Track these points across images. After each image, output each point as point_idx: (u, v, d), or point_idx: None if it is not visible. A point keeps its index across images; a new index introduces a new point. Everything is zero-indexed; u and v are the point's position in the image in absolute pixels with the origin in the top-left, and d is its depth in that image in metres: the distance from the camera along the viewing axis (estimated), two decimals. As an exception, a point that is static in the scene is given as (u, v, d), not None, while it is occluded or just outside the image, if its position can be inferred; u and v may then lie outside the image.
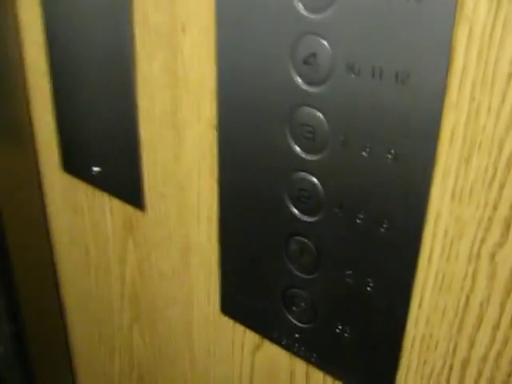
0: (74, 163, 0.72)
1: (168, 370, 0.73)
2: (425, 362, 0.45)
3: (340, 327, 0.49)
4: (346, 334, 0.49)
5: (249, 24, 0.44)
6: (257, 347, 0.58)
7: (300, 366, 0.55)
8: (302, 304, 0.50)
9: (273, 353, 0.57)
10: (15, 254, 0.84)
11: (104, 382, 0.90)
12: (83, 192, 0.73)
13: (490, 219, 0.37)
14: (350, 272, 0.46)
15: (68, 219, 0.79)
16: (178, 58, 0.52)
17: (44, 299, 0.89)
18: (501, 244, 0.37)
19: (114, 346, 0.82)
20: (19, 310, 0.88)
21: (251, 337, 0.58)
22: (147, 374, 0.78)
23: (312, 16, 0.40)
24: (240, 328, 0.59)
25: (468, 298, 0.40)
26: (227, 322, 0.60)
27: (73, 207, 0.76)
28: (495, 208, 0.37)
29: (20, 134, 0.79)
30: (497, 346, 0.41)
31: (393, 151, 0.39)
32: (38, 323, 0.90)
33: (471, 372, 0.43)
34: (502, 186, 0.36)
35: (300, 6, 0.41)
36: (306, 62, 0.42)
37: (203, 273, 0.60)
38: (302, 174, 0.45)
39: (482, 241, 0.38)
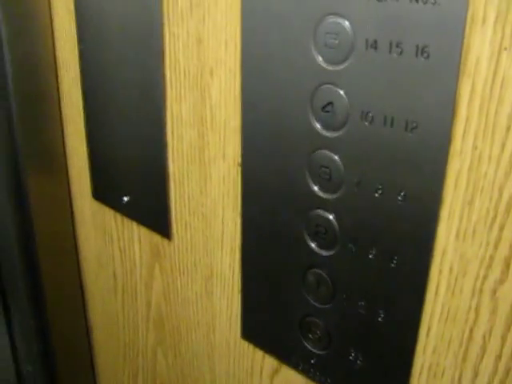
0: (104, 192, 0.76)
1: (190, 391, 0.77)
2: (432, 389, 0.48)
3: (353, 354, 0.52)
4: (358, 361, 0.52)
5: (272, 72, 0.48)
6: (275, 371, 0.61)
7: (316, 390, 0.58)
8: (318, 332, 0.54)
9: (290, 377, 0.60)
10: (46, 277, 0.88)
11: (127, 402, 0.93)
12: (112, 219, 0.77)
13: (492, 258, 0.40)
14: (362, 303, 0.49)
15: (97, 245, 0.83)
16: (205, 99, 0.56)
17: (72, 320, 0.93)
18: (501, 281, 0.40)
19: (138, 367, 0.86)
20: (48, 330, 0.92)
21: (270, 361, 0.61)
22: (169, 395, 0.82)
23: (330, 68, 0.44)
24: (259, 353, 0.62)
25: (471, 330, 0.44)
26: (247, 347, 0.64)
27: (102, 234, 0.80)
28: (496, 247, 0.40)
29: (54, 163, 0.84)
30: (499, 376, 0.44)
31: (403, 193, 0.43)
32: (66, 343, 0.93)
33: (475, 400, 0.46)
34: (501, 228, 0.39)
35: (319, 59, 0.45)
36: (323, 110, 0.46)
37: (225, 300, 0.64)
38: (319, 211, 0.49)
39: (485, 277, 0.41)
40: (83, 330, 0.94)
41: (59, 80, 0.75)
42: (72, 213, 0.85)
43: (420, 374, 0.48)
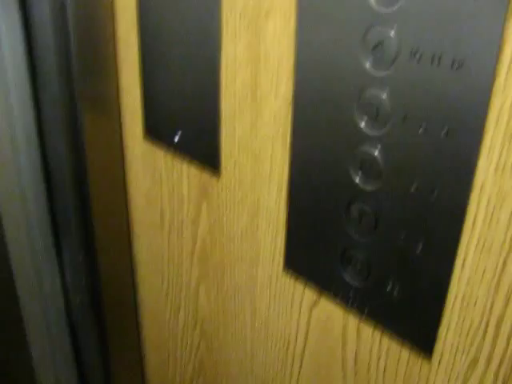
0: (156, 131, 0.80)
1: (229, 324, 0.81)
2: (464, 318, 0.51)
3: (390, 285, 0.55)
4: (395, 292, 0.55)
5: (326, 13, 0.51)
6: (314, 304, 0.65)
7: (352, 321, 0.61)
8: (358, 264, 0.57)
9: (328, 309, 0.63)
10: (96, 213, 0.93)
11: (167, 336, 0.98)
12: (162, 159, 0.81)
13: (528, 191, 0.43)
14: (402, 235, 0.52)
15: (146, 183, 0.87)
16: (260, 40, 0.59)
17: (118, 255, 0.98)
18: (536, 213, 0.43)
19: (180, 302, 0.90)
20: (95, 264, 0.97)
21: (309, 294, 0.65)
22: (209, 329, 0.86)
23: (382, 9, 0.47)
24: (300, 286, 0.66)
25: (505, 261, 0.46)
26: (289, 280, 0.67)
27: (151, 172, 0.84)
28: (533, 181, 0.42)
29: (108, 103, 0.87)
30: (529, 306, 0.47)
31: (446, 128, 0.45)
32: (112, 277, 0.98)
33: (505, 328, 0.49)
34: (539, 163, 0.42)
35: (372, 1, 0.47)
36: (374, 49, 0.48)
37: (270, 234, 0.67)
38: (365, 147, 0.52)
39: (520, 210, 0.44)
40: (128, 266, 0.99)
41: (116, 21, 0.78)
42: (123, 152, 0.88)
43: (454, 303, 0.51)
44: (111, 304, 1.00)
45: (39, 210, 0.99)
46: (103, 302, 1.00)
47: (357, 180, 0.54)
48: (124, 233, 0.95)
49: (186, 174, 0.77)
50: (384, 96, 0.49)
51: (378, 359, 0.61)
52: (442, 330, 0.53)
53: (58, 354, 1.11)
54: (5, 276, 1.00)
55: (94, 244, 0.95)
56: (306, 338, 0.68)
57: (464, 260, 0.49)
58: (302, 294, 0.66)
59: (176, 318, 0.92)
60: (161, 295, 0.94)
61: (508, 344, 0.49)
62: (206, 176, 0.74)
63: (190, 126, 0.73)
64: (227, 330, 0.82)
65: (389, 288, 0.55)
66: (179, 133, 0.75)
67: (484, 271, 0.48)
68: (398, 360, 0.59)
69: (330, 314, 0.63)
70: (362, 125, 0.51)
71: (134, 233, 0.94)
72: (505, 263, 0.46)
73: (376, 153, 0.51)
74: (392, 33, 0.47)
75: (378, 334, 0.60)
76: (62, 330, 1.10)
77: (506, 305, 0.48)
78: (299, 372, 0.72)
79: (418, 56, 0.45)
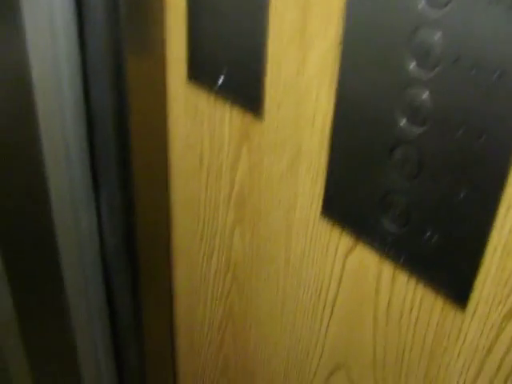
0: (199, 73, 0.80)
1: (262, 270, 0.81)
2: (503, 268, 0.51)
3: (429, 232, 0.55)
4: (434, 239, 0.55)
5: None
6: (350, 250, 0.65)
7: (387, 268, 0.61)
8: (398, 209, 0.57)
9: (364, 256, 0.63)
10: (136, 154, 0.93)
11: (199, 280, 0.99)
12: (205, 101, 0.81)
13: None
14: (446, 181, 0.51)
15: (187, 126, 0.87)
16: (312, -22, 0.58)
17: (155, 197, 0.99)
18: None
19: (214, 247, 0.91)
20: (132, 206, 0.98)
21: (346, 240, 0.65)
22: (241, 274, 0.86)
23: None
24: (336, 232, 0.66)
25: (551, 210, 0.46)
26: (325, 226, 0.67)
27: (193, 115, 0.84)
28: None
29: (153, 45, 0.87)
30: None
31: (498, 71, 0.44)
32: (148, 219, 0.99)
33: (544, 280, 0.48)
34: None
35: None
36: (432, -13, 0.47)
37: (309, 178, 0.67)
38: (413, 89, 0.51)
39: None
40: (165, 208, 0.99)
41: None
42: (166, 95, 0.88)
43: (494, 252, 0.51)
44: (145, 246, 1.01)
45: (80, 149, 1.00)
46: (138, 244, 1.01)
47: (402, 123, 0.53)
48: (162, 175, 0.96)
49: (227, 117, 0.77)
50: (436, 37, 0.48)
51: (411, 309, 0.60)
52: (479, 280, 0.53)
53: (91, 294, 1.13)
54: (44, 215, 1.01)
55: (131, 185, 0.96)
56: (338, 286, 0.68)
57: (508, 206, 0.48)
58: (338, 241, 0.66)
59: (209, 263, 0.93)
60: (195, 239, 0.95)
61: (547, 295, 0.48)
62: (247, 119, 0.73)
63: (234, 68, 0.72)
64: (259, 275, 0.82)
65: (427, 235, 0.55)
66: (223, 76, 0.74)
67: (528, 220, 0.47)
68: (432, 310, 0.59)
69: (365, 262, 0.63)
70: (412, 67, 0.51)
71: (171, 176, 0.94)
72: (550, 212, 0.45)
73: (424, 96, 0.51)
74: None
75: (412, 282, 0.59)
76: (96, 270, 1.11)
77: (548, 255, 0.47)
78: (329, 320, 0.72)
79: (474, -5, 0.44)
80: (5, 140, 0.94)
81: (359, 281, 0.65)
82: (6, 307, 1.03)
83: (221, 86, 0.75)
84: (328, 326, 0.72)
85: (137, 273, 1.03)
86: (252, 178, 0.77)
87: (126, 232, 1.01)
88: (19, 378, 1.13)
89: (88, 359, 1.19)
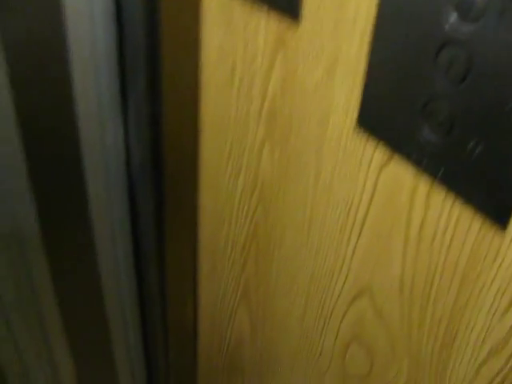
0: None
1: (290, 188, 0.78)
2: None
3: (473, 143, 0.50)
4: (477, 151, 0.50)
5: None
6: (384, 164, 0.61)
7: (423, 184, 0.57)
8: (440, 117, 0.52)
9: (398, 170, 0.59)
10: (166, 66, 0.89)
11: (225, 200, 0.96)
12: (240, 8, 0.76)
13: None
14: (495, 86, 0.47)
15: (220, 36, 0.83)
16: None
17: (184, 112, 0.95)
18: None
19: (242, 165, 0.87)
20: (161, 118, 0.94)
21: (380, 154, 0.61)
22: (268, 193, 0.83)
23: None
24: (371, 145, 0.62)
25: None
26: (360, 139, 0.63)
27: (227, 23, 0.80)
28: None
29: None
30: None
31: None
32: (175, 134, 0.96)
33: None
34: None
35: None
36: None
37: (345, 88, 0.62)
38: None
39: None
40: (194, 124, 0.96)
41: None
42: (200, 1, 0.84)
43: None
44: (172, 162, 0.98)
45: (108, 57, 0.96)
46: (164, 160, 0.98)
47: (451, 21, 0.48)
48: (193, 87, 0.92)
49: (263, 23, 0.73)
50: None
51: (446, 229, 0.57)
52: (524, 198, 0.48)
53: (115, 209, 1.11)
54: (69, 129, 0.99)
55: (160, 96, 0.92)
56: (369, 203, 0.65)
57: None
58: (372, 154, 0.62)
59: (235, 182, 0.90)
60: (223, 157, 0.92)
61: None
62: (284, 25, 0.69)
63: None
64: (287, 193, 0.79)
65: (470, 146, 0.50)
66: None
67: None
68: (468, 231, 0.55)
69: (400, 176, 0.59)
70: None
71: (202, 88, 0.91)
72: None
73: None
74: None
75: (449, 200, 0.55)
76: (121, 185, 1.09)
77: None
78: (357, 240, 0.68)
79: None
80: (31, 43, 0.91)
81: (392, 198, 0.61)
82: (30, 221, 1.02)
83: (257, -12, 0.70)
84: (355, 247, 0.69)
85: (162, 189, 1.01)
86: (285, 88, 0.73)
87: (153, 147, 0.98)
88: (44, 296, 1.12)
89: (110, 277, 1.18)
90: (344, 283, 0.73)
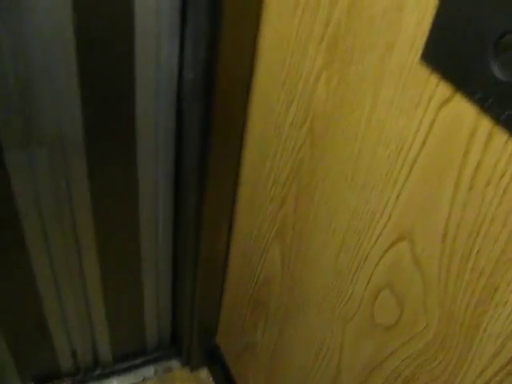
0: None
1: (342, 120, 0.74)
2: None
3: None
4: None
5: None
6: (445, 101, 0.57)
7: (484, 125, 0.53)
8: (515, 53, 0.48)
9: (460, 109, 0.55)
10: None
11: (273, 131, 0.93)
12: None
13: None
14: None
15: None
16: None
17: (243, 33, 0.92)
18: None
19: (296, 93, 0.84)
20: (219, 39, 0.91)
21: (442, 90, 0.57)
22: (319, 126, 0.80)
23: None
24: (434, 80, 0.58)
25: None
26: (422, 72, 0.59)
27: None
28: None
29: None
30: None
31: None
32: (232, 56, 0.92)
33: None
34: None
35: None
36: None
37: (415, 17, 0.58)
38: None
39: None
40: (251, 49, 0.93)
41: None
42: None
43: None
44: (224, 83, 0.96)
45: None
46: (217, 81, 0.95)
47: None
48: (255, 8, 0.88)
49: None
50: None
51: (502, 176, 0.53)
52: None
53: (161, 124, 1.09)
54: (126, 36, 0.96)
55: (220, 15, 0.89)
56: (423, 143, 0.61)
57: None
58: (434, 90, 0.58)
59: (286, 111, 0.87)
60: (277, 85, 0.88)
61: None
62: None
63: None
64: (338, 127, 0.75)
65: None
66: None
67: None
68: (525, 180, 0.51)
69: (460, 116, 0.55)
70: None
71: (265, 11, 0.87)
72: None
73: None
74: None
75: (509, 146, 0.51)
76: (170, 102, 1.07)
77: None
78: (405, 182, 0.65)
79: None
80: None
81: (448, 138, 0.58)
82: (77, 127, 1.01)
83: None
84: (402, 189, 0.66)
85: (210, 110, 0.98)
86: (351, 15, 0.69)
87: (207, 64, 0.95)
88: (80, 207, 1.12)
89: (147, 194, 1.17)
90: (384, 226, 0.70)
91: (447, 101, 0.56)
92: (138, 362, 1.60)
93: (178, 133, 1.11)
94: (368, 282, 0.76)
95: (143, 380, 1.56)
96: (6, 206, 1.05)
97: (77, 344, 1.45)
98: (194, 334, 1.47)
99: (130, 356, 1.59)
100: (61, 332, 1.38)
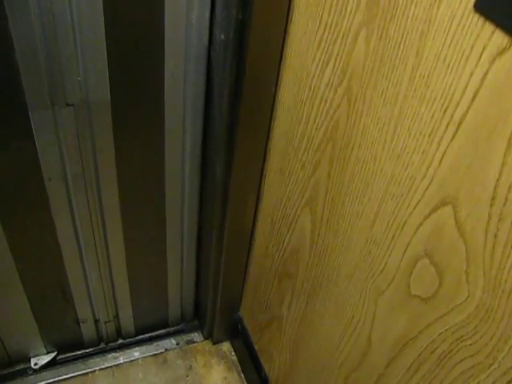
0: None
1: (382, 81, 0.70)
2: None
3: None
4: None
5: None
6: (499, 53, 0.53)
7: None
8: None
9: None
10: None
11: (307, 93, 0.89)
12: None
13: None
14: None
15: None
16: None
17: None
18: None
19: (333, 52, 0.80)
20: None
21: (497, 41, 0.53)
22: (356, 86, 0.76)
23: None
24: (488, 30, 0.53)
25: None
26: (475, 24, 0.55)
27: None
28: None
29: None
30: None
31: None
32: (266, 13, 0.88)
33: None
34: None
35: None
36: None
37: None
38: None
39: None
40: (285, 6, 0.88)
41: None
42: None
43: None
44: (256, 43, 0.92)
45: None
46: (249, 39, 0.91)
47: None
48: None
49: None
50: None
51: (561, 133, 0.48)
52: None
53: (189, 89, 1.06)
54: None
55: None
56: (472, 99, 0.57)
57: None
58: (487, 42, 0.54)
59: (322, 71, 0.83)
60: (312, 44, 0.84)
61: None
62: None
63: None
64: (377, 86, 0.71)
65: None
66: None
67: None
68: None
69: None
70: None
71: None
72: None
73: None
74: None
75: None
76: (199, 65, 1.03)
77: None
78: (450, 143, 0.61)
79: None
80: None
81: (500, 93, 0.53)
82: (103, 88, 0.98)
83: None
84: (446, 150, 0.62)
85: (241, 75, 0.94)
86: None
87: (239, 27, 0.91)
88: (105, 170, 1.09)
89: (174, 162, 1.14)
90: (425, 191, 0.66)
91: (503, 52, 0.52)
92: (160, 333, 1.59)
93: (207, 97, 1.07)
94: (405, 251, 0.72)
95: (165, 351, 1.54)
96: (31, 169, 1.03)
97: (100, 313, 1.43)
98: (218, 307, 1.45)
99: (152, 328, 1.58)
100: (84, 300, 1.36)
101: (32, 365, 1.45)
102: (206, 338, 1.60)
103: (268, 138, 1.05)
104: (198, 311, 1.61)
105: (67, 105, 0.97)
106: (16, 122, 0.96)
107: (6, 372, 1.43)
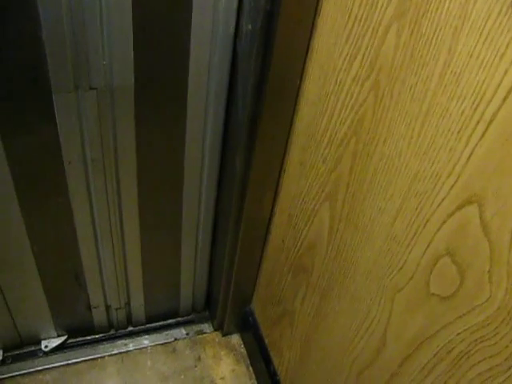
0: None
1: (410, 76, 0.70)
2: None
3: None
4: None
5: None
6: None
7: None
8: None
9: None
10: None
11: (333, 86, 0.89)
12: None
13: None
14: None
15: None
16: None
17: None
18: None
19: (361, 47, 0.79)
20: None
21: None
22: (384, 81, 0.75)
23: None
24: (525, 27, 0.52)
25: None
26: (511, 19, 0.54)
27: None
28: None
29: None
30: None
31: None
32: (293, 7, 0.88)
33: None
34: None
35: None
36: None
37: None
38: None
39: None
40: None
41: None
42: None
43: None
44: (283, 33, 0.91)
45: None
46: (276, 36, 0.91)
47: None
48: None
49: None
50: None
51: None
52: None
53: (213, 79, 1.06)
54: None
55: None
56: (506, 97, 0.56)
57: None
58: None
59: (350, 65, 0.82)
60: (340, 38, 0.84)
61: None
62: None
63: None
64: (405, 82, 0.71)
65: None
66: None
67: None
68: None
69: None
70: None
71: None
72: None
73: None
74: None
75: None
76: (225, 53, 1.03)
77: None
78: (479, 140, 0.60)
79: None
80: None
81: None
82: (128, 73, 0.97)
83: None
84: (474, 148, 0.61)
85: (267, 66, 0.94)
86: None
87: (267, 18, 0.90)
88: (125, 156, 1.09)
89: (194, 150, 1.14)
90: (451, 189, 0.65)
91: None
92: (170, 322, 1.59)
93: (230, 88, 1.07)
94: (426, 249, 0.71)
95: (174, 341, 1.54)
96: (51, 151, 1.03)
97: (111, 300, 1.44)
98: (229, 299, 1.45)
99: (162, 316, 1.58)
100: (97, 286, 1.37)
101: (42, 347, 1.45)
102: (215, 330, 1.60)
103: (290, 131, 1.04)
104: (209, 302, 1.61)
105: (91, 88, 0.97)
106: (39, 105, 0.96)
107: (17, 352, 1.44)
